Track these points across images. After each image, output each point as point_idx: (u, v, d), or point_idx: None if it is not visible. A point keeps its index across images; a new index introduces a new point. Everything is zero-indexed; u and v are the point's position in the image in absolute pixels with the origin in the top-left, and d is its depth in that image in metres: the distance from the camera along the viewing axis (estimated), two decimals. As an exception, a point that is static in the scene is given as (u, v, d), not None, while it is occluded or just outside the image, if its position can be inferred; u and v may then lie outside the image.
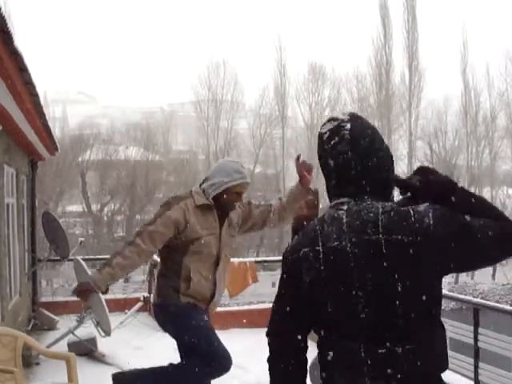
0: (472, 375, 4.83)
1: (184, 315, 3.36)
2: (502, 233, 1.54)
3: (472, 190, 35.79)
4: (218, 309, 4.39)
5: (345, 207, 1.69)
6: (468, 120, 34.16)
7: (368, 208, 1.65)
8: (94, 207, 29.28)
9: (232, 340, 4.15)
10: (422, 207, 1.61)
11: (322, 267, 1.65)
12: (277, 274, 10.32)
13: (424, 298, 1.60)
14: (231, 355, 3.39)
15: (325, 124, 1.81)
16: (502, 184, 35.41)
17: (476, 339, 4.82)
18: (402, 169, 35.65)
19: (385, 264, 1.57)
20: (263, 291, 8.80)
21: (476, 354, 4.83)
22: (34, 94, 5.02)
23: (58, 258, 8.95)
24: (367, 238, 1.60)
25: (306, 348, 1.78)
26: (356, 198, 1.70)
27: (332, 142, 1.74)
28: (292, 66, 54.21)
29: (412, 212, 1.60)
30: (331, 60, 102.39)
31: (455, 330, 5.35)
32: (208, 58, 53.55)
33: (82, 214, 29.01)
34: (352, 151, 1.71)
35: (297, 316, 1.74)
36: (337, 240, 1.65)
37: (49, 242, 8.64)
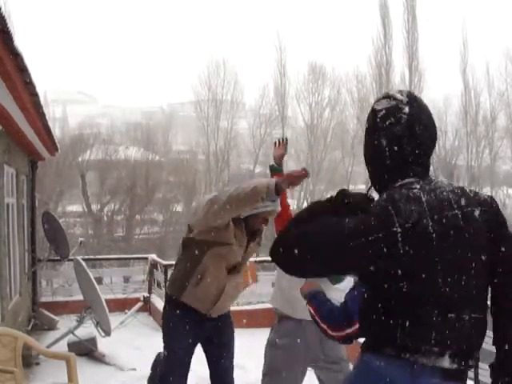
0: (472, 375, 4.82)
1: (172, 327, 3.42)
2: None
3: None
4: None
5: (418, 186, 1.72)
6: (468, 120, 34.14)
7: (439, 187, 1.73)
8: (94, 207, 29.26)
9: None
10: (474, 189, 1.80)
11: (401, 250, 1.64)
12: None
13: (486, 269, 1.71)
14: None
15: (380, 100, 1.80)
16: (502, 184, 35.40)
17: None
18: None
19: (465, 235, 1.66)
20: (263, 291, 8.79)
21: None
22: (33, 94, 5.02)
23: (58, 258, 8.96)
24: (446, 214, 1.67)
25: None
26: (423, 178, 1.76)
27: (387, 122, 1.74)
28: (292, 65, 54.23)
29: (468, 190, 1.76)
30: (331, 60, 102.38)
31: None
32: (208, 58, 53.37)
33: (81, 214, 28.99)
34: (408, 137, 1.73)
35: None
36: (418, 218, 1.65)
37: (49, 242, 8.65)
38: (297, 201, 34.40)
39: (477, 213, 1.70)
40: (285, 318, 3.27)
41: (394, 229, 1.63)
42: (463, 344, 1.69)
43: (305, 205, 32.74)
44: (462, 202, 1.71)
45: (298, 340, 3.22)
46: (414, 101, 1.77)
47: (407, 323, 1.64)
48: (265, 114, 35.68)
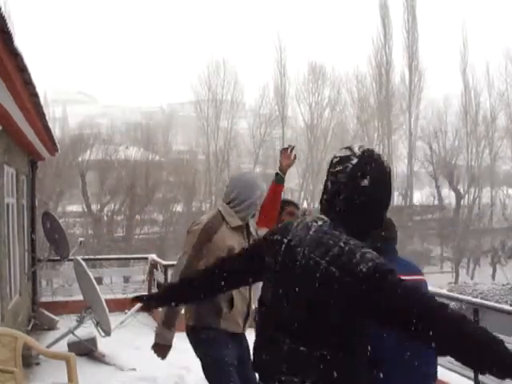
0: (472, 375, 4.83)
1: (215, 351, 3.15)
2: None
3: (472, 189, 35.54)
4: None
5: (319, 223, 1.89)
6: (468, 120, 34.17)
7: (334, 235, 1.83)
8: (94, 207, 29.27)
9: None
10: (370, 256, 1.75)
11: (280, 258, 1.91)
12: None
13: (342, 329, 1.77)
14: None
15: (342, 149, 1.96)
16: (502, 184, 35.41)
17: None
18: (402, 169, 35.71)
19: (316, 285, 1.78)
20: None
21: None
22: (33, 94, 5.02)
23: (58, 258, 8.96)
24: (314, 257, 1.81)
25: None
26: (333, 222, 1.88)
27: (336, 169, 1.91)
28: (292, 65, 54.22)
29: (358, 255, 1.75)
30: (331, 60, 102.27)
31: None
32: (208, 58, 53.45)
33: (81, 214, 29.00)
34: (346, 185, 1.87)
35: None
36: (297, 245, 1.88)
37: (49, 242, 8.65)
38: (297, 201, 34.44)
39: (337, 275, 1.74)
40: None
41: (285, 240, 1.95)
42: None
43: (305, 205, 32.74)
44: (335, 259, 1.77)
45: None
46: (367, 157, 1.90)
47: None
48: (265, 114, 35.70)
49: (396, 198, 35.25)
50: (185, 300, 2.48)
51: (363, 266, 1.72)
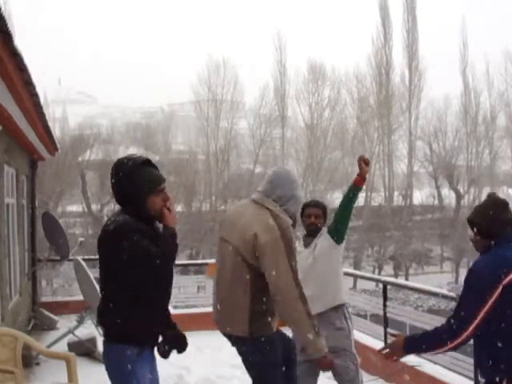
0: (472, 375, 4.82)
1: (273, 351, 3.07)
2: None
3: (472, 189, 35.50)
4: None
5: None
6: (468, 120, 34.15)
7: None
8: (94, 207, 29.29)
9: (232, 340, 4.14)
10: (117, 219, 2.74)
11: None
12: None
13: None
14: (231, 355, 3.33)
15: None
16: (502, 184, 35.37)
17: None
18: (402, 169, 35.72)
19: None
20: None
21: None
22: (33, 94, 5.02)
23: (58, 258, 8.95)
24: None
25: None
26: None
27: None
28: (292, 65, 54.16)
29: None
30: (331, 60, 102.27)
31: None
32: (208, 58, 53.30)
33: (82, 214, 29.02)
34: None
35: None
36: None
37: (49, 242, 8.63)
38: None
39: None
40: None
41: None
42: None
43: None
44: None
45: None
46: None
47: None
48: (265, 114, 35.66)
49: (396, 198, 35.26)
50: None
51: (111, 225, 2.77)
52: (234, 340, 3.11)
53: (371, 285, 23.14)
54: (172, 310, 4.18)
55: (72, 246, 9.34)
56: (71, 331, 6.55)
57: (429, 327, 5.62)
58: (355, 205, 3.76)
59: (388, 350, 2.75)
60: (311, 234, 3.85)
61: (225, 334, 3.15)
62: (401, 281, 17.06)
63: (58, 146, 8.97)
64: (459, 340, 2.44)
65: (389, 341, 3.76)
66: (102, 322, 2.80)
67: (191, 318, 7.14)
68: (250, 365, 3.11)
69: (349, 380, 3.72)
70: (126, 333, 2.66)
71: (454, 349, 2.54)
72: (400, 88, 34.84)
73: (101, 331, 6.67)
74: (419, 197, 35.43)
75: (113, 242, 2.62)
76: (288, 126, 36.04)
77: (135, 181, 2.74)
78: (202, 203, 32.89)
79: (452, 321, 2.47)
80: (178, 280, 7.98)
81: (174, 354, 2.91)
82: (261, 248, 2.89)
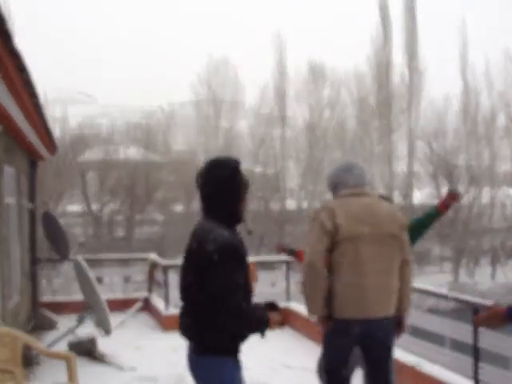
0: (472, 375, 4.83)
1: None
2: None
3: (472, 190, 35.43)
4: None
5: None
6: (468, 120, 34.13)
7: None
8: (94, 207, 29.27)
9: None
10: (217, 233, 2.57)
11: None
12: (277, 274, 10.32)
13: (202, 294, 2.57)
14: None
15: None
16: (502, 184, 35.37)
17: (476, 339, 4.82)
18: (401, 169, 35.66)
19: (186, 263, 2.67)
20: (263, 291, 8.79)
21: (476, 353, 4.83)
22: (34, 94, 5.02)
23: (58, 258, 8.96)
24: (189, 242, 2.67)
25: None
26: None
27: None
28: (292, 65, 54.12)
29: (208, 233, 2.58)
30: (331, 59, 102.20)
31: (455, 329, 5.34)
32: (208, 57, 53.28)
33: (82, 214, 29.00)
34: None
35: None
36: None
37: (49, 242, 8.64)
38: (297, 201, 34.42)
39: (194, 249, 2.62)
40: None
41: None
42: None
43: (305, 205, 32.75)
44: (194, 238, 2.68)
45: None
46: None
47: None
48: (265, 114, 35.63)
49: (396, 198, 35.20)
50: None
51: (210, 244, 2.55)
52: (380, 322, 3.50)
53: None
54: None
55: (72, 246, 9.35)
56: (71, 331, 6.56)
57: (429, 327, 5.63)
58: None
59: (485, 316, 2.81)
60: None
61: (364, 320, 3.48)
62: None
63: (58, 146, 8.98)
64: None
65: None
66: (193, 335, 2.75)
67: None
68: (389, 344, 3.58)
69: None
70: (224, 344, 2.67)
71: None
72: (400, 88, 34.81)
73: (101, 331, 6.67)
74: (419, 197, 35.41)
75: (213, 262, 2.52)
76: (288, 125, 36.01)
77: (237, 184, 2.69)
78: (202, 203, 32.81)
79: None
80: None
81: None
82: (405, 237, 3.77)
